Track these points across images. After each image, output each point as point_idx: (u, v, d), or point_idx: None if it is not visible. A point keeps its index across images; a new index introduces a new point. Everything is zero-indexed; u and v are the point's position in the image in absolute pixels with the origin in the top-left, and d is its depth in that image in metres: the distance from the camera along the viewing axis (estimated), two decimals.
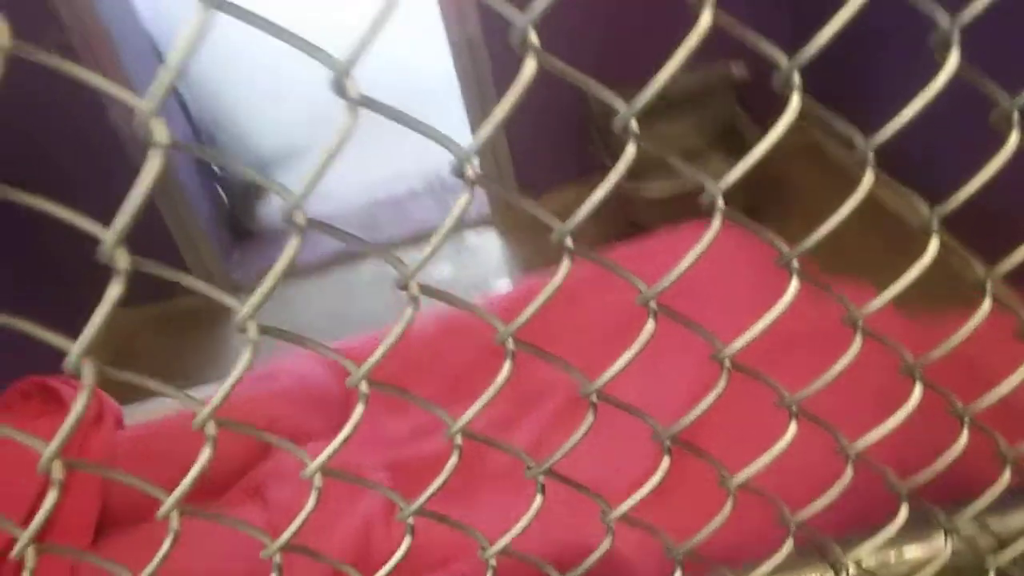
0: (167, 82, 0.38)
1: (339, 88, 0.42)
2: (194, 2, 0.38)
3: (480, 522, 1.36)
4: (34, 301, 2.41)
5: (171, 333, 2.63)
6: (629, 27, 2.52)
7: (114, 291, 0.46)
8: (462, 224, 2.93)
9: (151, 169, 0.41)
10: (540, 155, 2.68)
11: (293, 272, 2.89)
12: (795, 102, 0.45)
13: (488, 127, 0.44)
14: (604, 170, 2.31)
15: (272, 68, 2.61)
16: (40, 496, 1.47)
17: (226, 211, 3.06)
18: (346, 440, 0.55)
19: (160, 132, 0.40)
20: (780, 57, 0.44)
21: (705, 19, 0.41)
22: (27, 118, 2.29)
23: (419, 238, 2.93)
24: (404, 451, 1.62)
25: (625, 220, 2.46)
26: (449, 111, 2.93)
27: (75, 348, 0.49)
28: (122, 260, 0.45)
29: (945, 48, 0.45)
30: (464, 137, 2.84)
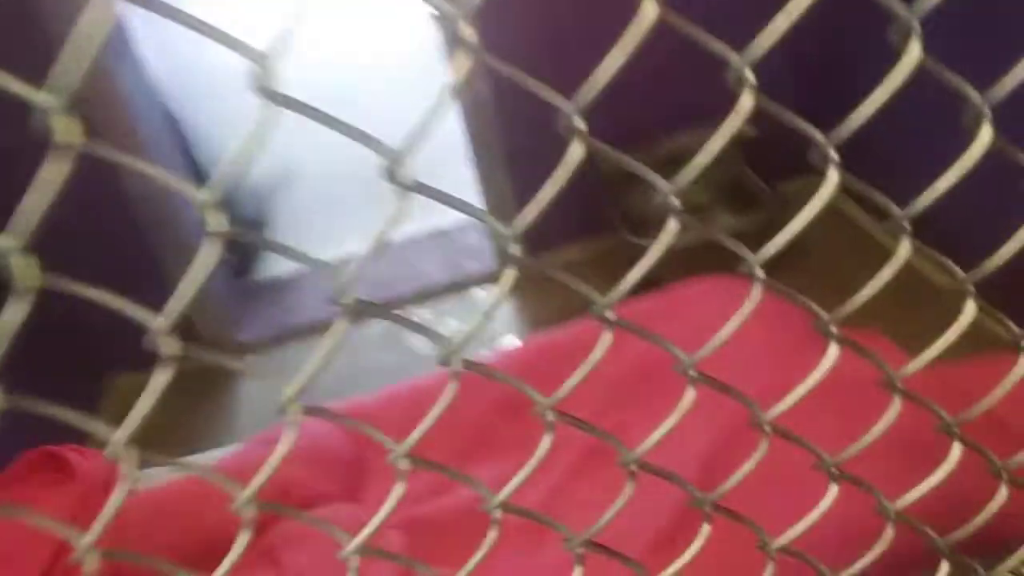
0: (227, 175, 0.39)
1: (391, 175, 0.42)
2: (255, 101, 0.39)
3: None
4: (52, 367, 2.41)
5: (178, 396, 2.60)
6: (632, 82, 2.56)
7: (161, 378, 0.46)
8: (468, 280, 2.93)
9: (209, 255, 0.42)
10: (549, 212, 2.70)
11: (301, 331, 2.87)
12: (833, 177, 0.46)
13: (534, 209, 0.45)
14: (612, 227, 2.31)
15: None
16: (49, 568, 1.45)
17: (231, 264, 3.07)
18: (384, 520, 0.55)
19: (217, 221, 0.40)
20: (817, 135, 0.45)
21: (747, 102, 0.42)
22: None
23: (426, 295, 2.93)
24: (421, 508, 1.61)
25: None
26: (455, 171, 2.98)
27: (117, 435, 0.49)
28: (169, 347, 0.45)
29: (977, 123, 0.46)
30: (470, 196, 2.86)
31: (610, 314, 0.49)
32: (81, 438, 2.24)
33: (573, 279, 0.50)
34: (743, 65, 0.42)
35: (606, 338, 0.50)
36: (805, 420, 0.72)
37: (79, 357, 2.56)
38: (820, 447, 0.64)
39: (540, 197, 0.44)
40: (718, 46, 0.42)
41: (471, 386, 1.75)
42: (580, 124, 0.41)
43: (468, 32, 0.37)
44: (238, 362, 0.48)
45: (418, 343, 2.72)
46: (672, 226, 0.45)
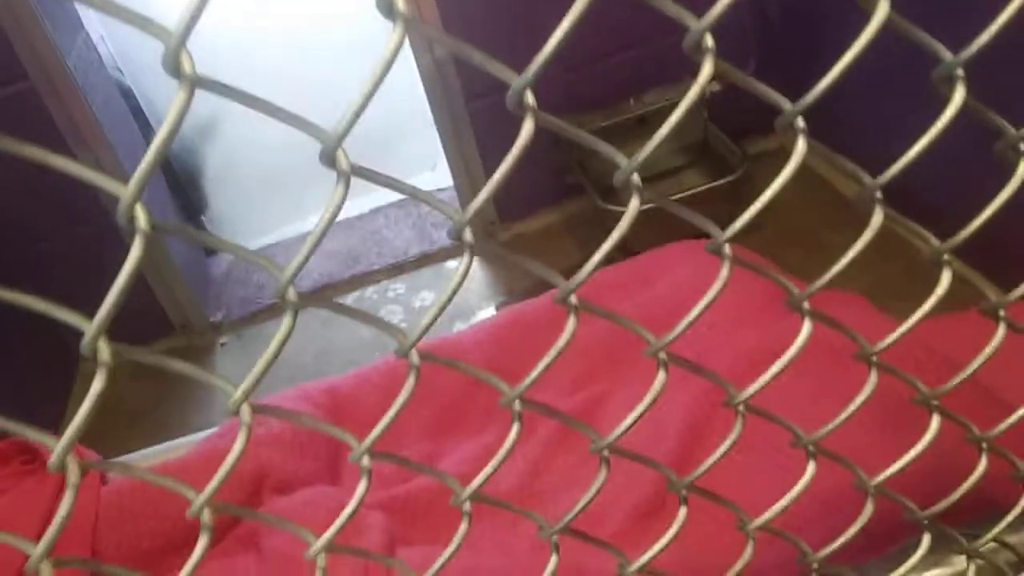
0: (149, 168, 0.36)
1: (329, 160, 0.39)
2: (174, 83, 0.36)
3: (484, 565, 1.34)
4: (22, 348, 2.37)
5: (152, 379, 2.57)
6: (600, 46, 2.52)
7: (98, 385, 0.43)
8: (441, 252, 2.90)
9: (134, 256, 0.39)
10: (518, 181, 2.67)
11: (274, 309, 2.84)
12: (800, 147, 0.43)
13: (485, 192, 0.42)
14: (582, 191, 2.30)
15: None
16: (23, 563, 1.42)
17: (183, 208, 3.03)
18: (351, 516, 0.52)
19: (143, 218, 0.37)
20: (784, 102, 0.43)
21: (707, 69, 0.39)
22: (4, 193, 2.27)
23: (399, 268, 2.90)
24: (399, 488, 1.59)
25: (605, 234, 2.44)
26: (421, 135, 2.92)
27: (60, 445, 0.46)
28: (105, 353, 0.43)
29: (949, 84, 0.44)
30: (438, 162, 2.81)
31: (574, 299, 0.47)
32: (55, 426, 2.20)
33: (536, 265, 0.48)
34: (702, 31, 0.39)
35: (571, 323, 0.47)
36: (781, 392, 0.70)
37: (52, 341, 2.51)
38: (798, 419, 0.63)
39: (495, 178, 0.41)
40: (675, 9, 0.39)
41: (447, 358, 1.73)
42: (530, 99, 0.38)
43: (401, 3, 0.34)
44: (176, 362, 0.45)
45: (394, 317, 2.69)
46: (634, 204, 0.43)
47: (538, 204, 2.82)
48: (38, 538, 1.40)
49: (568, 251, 2.60)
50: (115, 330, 0.43)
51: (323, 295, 2.79)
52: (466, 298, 2.69)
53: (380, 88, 0.38)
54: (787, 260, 1.40)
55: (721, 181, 2.23)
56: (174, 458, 1.65)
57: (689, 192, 2.26)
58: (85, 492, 1.54)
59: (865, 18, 0.42)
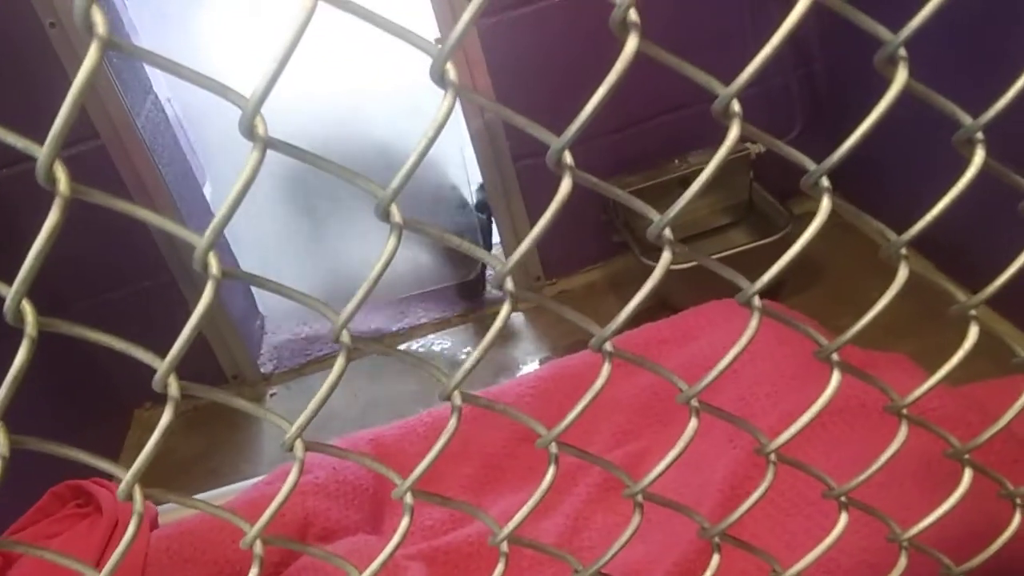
0: (223, 220, 0.40)
1: (384, 214, 0.43)
2: (246, 143, 0.40)
3: None
4: (81, 403, 2.45)
5: (203, 429, 2.64)
6: (646, 107, 2.58)
7: (167, 418, 0.47)
8: (488, 310, 2.94)
9: (206, 299, 0.43)
10: (562, 238, 2.72)
11: (322, 360, 2.90)
12: (825, 204, 0.46)
13: (526, 243, 0.45)
14: (627, 249, 2.33)
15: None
16: None
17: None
18: (393, 553, 0.55)
19: (215, 266, 0.41)
20: (808, 162, 0.46)
21: (734, 133, 0.42)
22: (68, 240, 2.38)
23: (445, 322, 2.94)
24: (440, 540, 1.61)
25: (649, 296, 2.46)
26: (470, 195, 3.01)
27: (127, 477, 0.49)
28: (174, 388, 0.46)
29: (970, 145, 0.46)
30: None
31: (608, 346, 0.49)
32: (107, 477, 2.26)
33: (571, 312, 0.51)
34: (730, 97, 0.42)
35: (605, 370, 0.50)
36: (816, 444, 0.72)
37: (107, 390, 2.59)
38: (834, 473, 0.64)
39: (533, 233, 0.44)
40: (704, 78, 0.43)
41: (489, 416, 1.76)
42: (568, 159, 0.42)
43: (452, 73, 0.38)
44: (238, 399, 0.49)
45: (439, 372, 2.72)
46: (666, 256, 0.46)
47: (583, 261, 2.85)
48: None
49: (611, 307, 2.62)
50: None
51: (375, 343, 2.84)
52: (511, 353, 2.71)
53: (435, 152, 0.42)
54: (837, 322, 1.40)
55: (765, 240, 2.25)
56: (223, 503, 1.68)
57: (733, 251, 2.28)
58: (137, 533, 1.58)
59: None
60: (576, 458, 1.67)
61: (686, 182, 2.50)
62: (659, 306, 2.37)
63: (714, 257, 2.01)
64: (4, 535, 1.61)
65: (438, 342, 2.87)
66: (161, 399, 0.47)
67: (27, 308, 0.42)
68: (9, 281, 0.41)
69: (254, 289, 3.12)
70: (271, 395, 2.82)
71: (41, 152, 0.38)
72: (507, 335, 2.79)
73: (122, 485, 0.48)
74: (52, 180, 0.39)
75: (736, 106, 0.43)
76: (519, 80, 2.48)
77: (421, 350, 2.85)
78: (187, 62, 0.40)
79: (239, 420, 2.71)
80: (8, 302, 0.41)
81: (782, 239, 2.25)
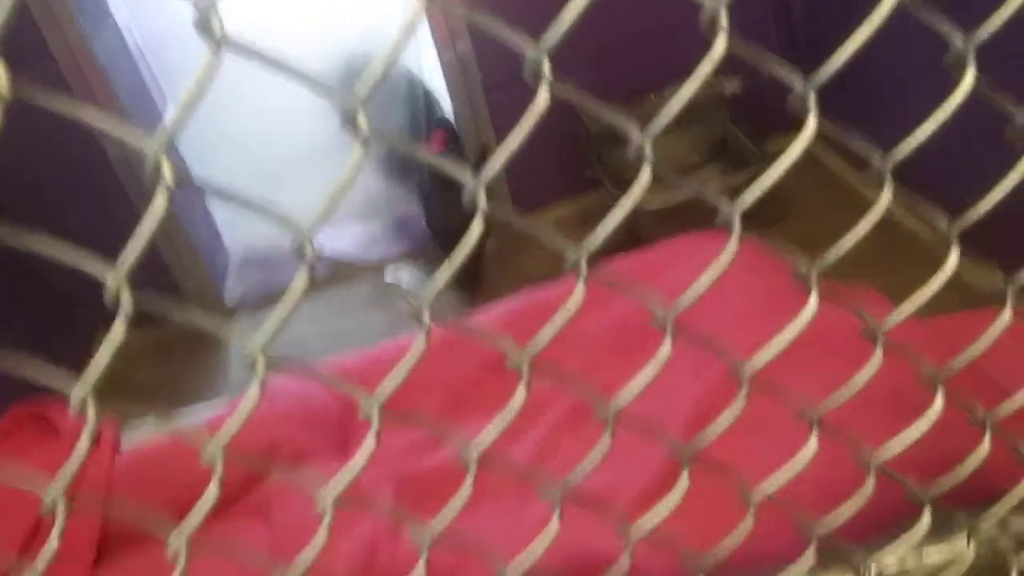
0: (176, 123, 0.37)
1: (350, 121, 0.41)
2: (200, 44, 0.38)
3: (489, 532, 1.35)
4: (34, 337, 2.39)
5: (166, 356, 2.60)
6: (623, 41, 2.53)
7: (118, 331, 0.45)
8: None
9: (157, 209, 0.40)
10: (534, 171, 2.68)
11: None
12: (811, 124, 0.44)
13: (501, 157, 0.43)
14: (599, 185, 2.32)
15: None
16: (38, 521, 1.45)
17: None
18: (358, 470, 0.54)
19: (168, 172, 0.39)
20: (796, 80, 0.44)
21: (720, 45, 0.40)
22: (21, 155, 2.29)
23: (412, 255, 2.91)
24: (409, 464, 1.61)
25: (621, 230, 2.45)
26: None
27: (78, 389, 0.47)
28: (127, 301, 0.44)
29: (960, 67, 0.44)
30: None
31: (583, 265, 0.48)
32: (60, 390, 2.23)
33: (545, 229, 0.49)
34: (717, 7, 0.40)
35: (579, 290, 0.48)
36: (789, 374, 0.71)
37: (64, 317, 2.54)
38: (806, 399, 0.64)
39: (508, 143, 0.42)
40: None
41: (459, 345, 1.75)
42: (546, 69, 0.39)
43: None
44: (196, 314, 0.47)
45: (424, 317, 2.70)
46: (645, 175, 0.44)
47: (554, 196, 2.83)
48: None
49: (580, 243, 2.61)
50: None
51: (339, 261, 2.82)
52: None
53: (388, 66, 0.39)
54: (809, 252, 1.40)
55: (739, 174, 2.24)
56: (185, 428, 1.67)
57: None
58: (99, 457, 1.57)
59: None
60: (544, 387, 1.68)
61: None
62: (629, 240, 2.37)
63: (684, 198, 1.99)
64: None
65: (409, 270, 2.85)
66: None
67: None
68: None
69: (220, 224, 3.06)
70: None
71: None
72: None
73: (73, 398, 0.46)
74: None
75: (723, 18, 0.40)
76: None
77: (391, 280, 2.83)
78: None
79: (202, 349, 2.68)
80: None
81: (754, 175, 2.24)
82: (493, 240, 2.73)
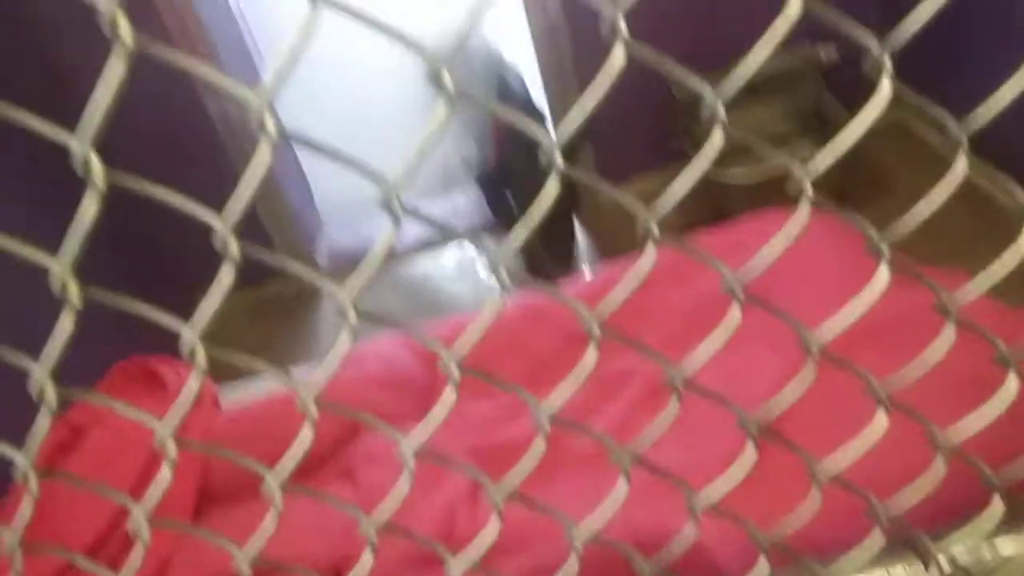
0: (278, 78, 0.41)
1: (436, 80, 0.43)
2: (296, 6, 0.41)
3: (561, 506, 1.38)
4: (143, 288, 2.53)
5: (261, 319, 2.72)
6: (712, 11, 2.49)
7: (226, 277, 0.49)
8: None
9: (261, 160, 0.44)
10: (620, 143, 2.67)
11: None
12: (885, 87, 0.45)
13: (577, 116, 0.45)
14: (686, 159, 2.29)
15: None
16: (143, 474, 1.56)
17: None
18: (438, 423, 0.57)
19: (271, 125, 0.42)
20: (871, 41, 0.44)
21: (794, 6, 0.41)
22: (126, 108, 2.40)
23: (496, 228, 2.95)
24: (488, 435, 1.65)
25: (708, 207, 2.43)
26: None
27: (188, 332, 0.52)
28: (234, 247, 0.48)
29: None
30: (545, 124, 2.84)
31: (653, 228, 0.49)
32: (173, 351, 2.35)
33: (619, 192, 0.51)
34: None
35: (650, 252, 0.50)
36: (862, 356, 0.71)
37: (167, 275, 2.68)
38: (873, 375, 0.64)
39: (583, 102, 0.44)
40: None
41: (541, 317, 1.77)
42: (622, 26, 0.41)
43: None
44: (295, 263, 0.50)
45: (492, 277, 2.75)
46: (717, 137, 0.45)
47: (639, 168, 2.81)
48: (145, 463, 1.49)
49: (668, 218, 2.59)
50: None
51: (425, 216, 2.89)
52: None
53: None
54: (902, 240, 1.36)
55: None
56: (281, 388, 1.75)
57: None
58: (201, 412, 1.66)
59: None
60: (622, 365, 1.68)
61: (754, 91, 2.43)
62: (716, 217, 2.34)
63: (772, 173, 1.96)
64: (77, 406, 1.71)
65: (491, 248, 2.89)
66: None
67: (94, 159, 0.44)
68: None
69: (312, 187, 3.16)
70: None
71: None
72: None
73: (183, 343, 0.50)
74: (115, 30, 0.40)
75: (887, 62, 0.41)
76: None
77: (473, 255, 2.87)
78: None
79: (298, 312, 2.79)
80: (76, 150, 0.43)
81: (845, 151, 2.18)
82: (585, 216, 2.72)
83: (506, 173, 2.53)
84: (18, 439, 0.57)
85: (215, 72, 0.42)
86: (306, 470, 1.66)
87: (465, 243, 2.90)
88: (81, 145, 0.41)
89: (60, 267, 0.46)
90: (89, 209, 0.44)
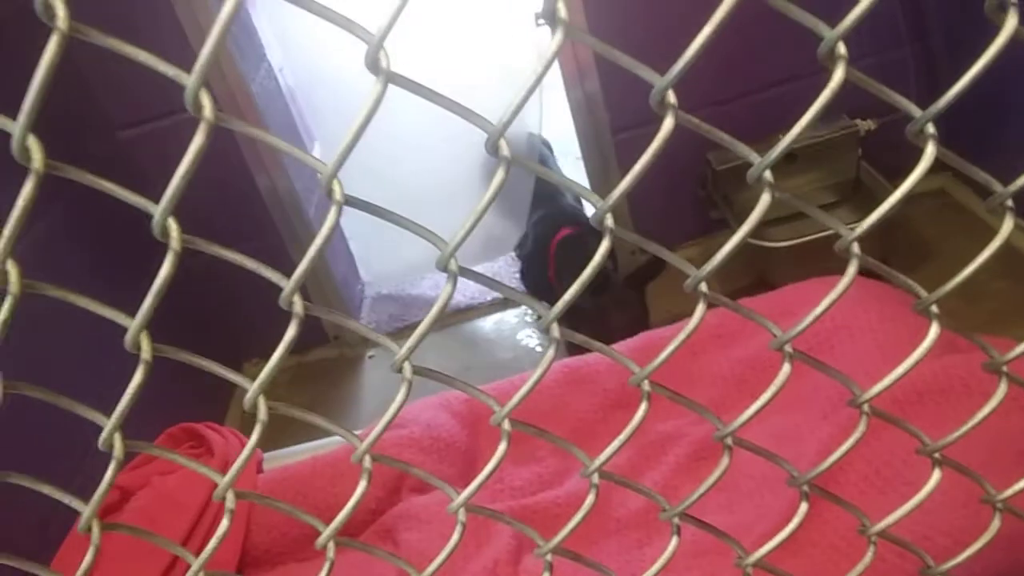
0: (345, 149, 0.44)
1: (493, 148, 0.46)
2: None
3: (610, 565, 1.36)
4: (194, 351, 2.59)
5: (305, 385, 2.76)
6: (748, 86, 2.54)
7: (290, 333, 0.51)
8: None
9: (330, 223, 0.46)
10: (659, 214, 2.71)
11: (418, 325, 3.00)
12: (930, 152, 0.46)
13: (628, 180, 0.47)
14: (725, 227, 2.31)
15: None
16: (190, 534, 1.57)
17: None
18: (489, 476, 0.58)
19: (338, 191, 0.45)
20: (913, 109, 0.46)
21: (838, 74, 0.43)
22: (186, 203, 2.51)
23: (535, 292, 2.98)
24: (529, 500, 1.65)
25: (749, 274, 2.44)
26: (561, 168, 3.04)
27: (254, 386, 0.54)
28: (299, 305, 0.50)
29: None
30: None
31: (703, 287, 0.51)
32: (219, 417, 2.39)
33: (667, 252, 0.52)
34: (836, 38, 0.43)
35: (700, 310, 0.51)
36: (916, 422, 0.71)
37: (218, 344, 2.74)
38: (924, 434, 0.64)
39: (635, 170, 0.46)
40: (810, 20, 0.44)
41: (583, 380, 1.77)
42: (671, 98, 0.43)
43: (563, 11, 0.40)
44: (349, 320, 0.53)
45: (531, 341, 2.76)
46: (765, 198, 0.47)
47: (680, 238, 2.84)
48: (202, 513, 1.52)
49: (711, 285, 2.61)
50: (273, 335, 0.50)
51: (466, 312, 2.92)
52: None
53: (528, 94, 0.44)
54: (945, 305, 1.36)
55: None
56: (324, 452, 1.77)
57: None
58: (246, 473, 1.68)
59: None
60: (668, 427, 1.66)
61: (791, 157, 2.45)
62: (759, 284, 2.35)
63: (821, 236, 1.98)
64: (124, 470, 1.74)
65: (532, 313, 2.91)
66: (269, 354, 0.51)
67: (172, 224, 0.46)
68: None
69: (356, 255, 3.23)
70: (370, 356, 2.92)
71: (189, 80, 0.43)
72: None
73: (248, 394, 0.52)
74: (198, 106, 0.43)
75: (842, 48, 0.43)
76: (618, 27, 2.47)
77: (514, 320, 2.89)
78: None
79: (341, 377, 2.82)
80: (156, 217, 0.46)
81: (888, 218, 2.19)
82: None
83: (546, 252, 2.59)
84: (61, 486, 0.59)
85: (288, 144, 0.45)
86: (349, 533, 1.66)
87: (504, 308, 2.92)
88: (163, 211, 0.44)
89: (137, 325, 0.49)
90: (166, 269, 0.47)
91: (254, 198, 2.61)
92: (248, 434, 0.57)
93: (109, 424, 0.52)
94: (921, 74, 2.52)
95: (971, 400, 1.14)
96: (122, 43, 0.43)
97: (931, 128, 0.46)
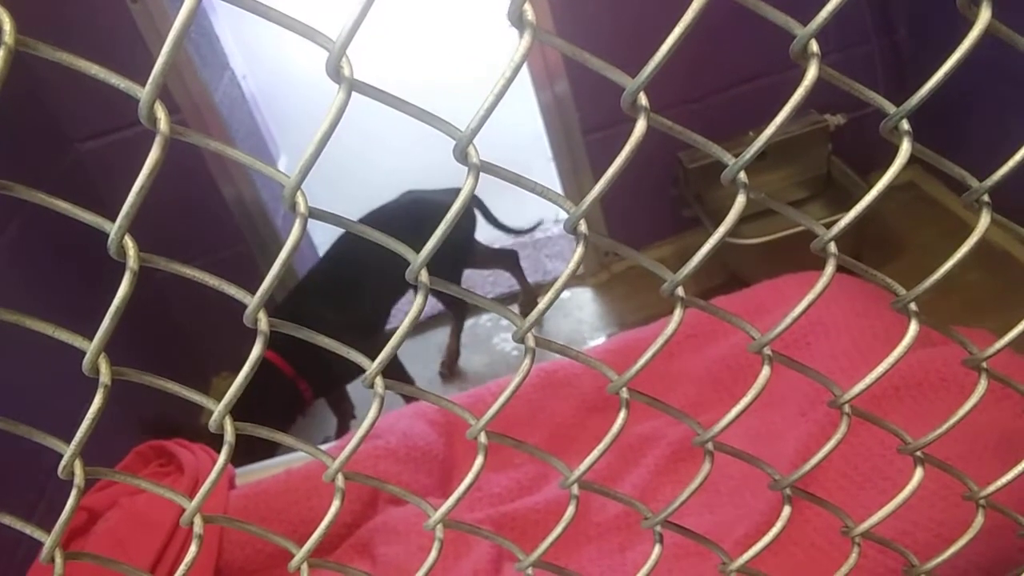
0: (309, 160, 0.42)
1: (462, 155, 0.44)
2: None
3: (590, 573, 1.35)
4: (161, 365, 2.54)
5: None
6: (718, 83, 2.55)
7: (256, 351, 0.49)
8: (553, 282, 2.95)
9: (294, 237, 0.45)
10: (631, 213, 2.71)
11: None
12: (905, 148, 0.46)
13: (600, 186, 0.46)
14: (697, 226, 2.31)
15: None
16: (160, 555, 1.54)
17: None
18: (466, 491, 0.57)
19: (303, 203, 0.43)
20: (887, 105, 0.45)
21: (811, 73, 0.42)
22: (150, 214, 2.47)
23: (513, 297, 2.96)
24: (508, 507, 1.63)
25: (722, 272, 2.44)
26: (532, 169, 3.02)
27: (219, 407, 0.52)
28: (263, 323, 0.49)
29: None
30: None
31: (680, 291, 0.50)
32: (189, 435, 2.35)
33: (644, 258, 0.51)
34: (808, 36, 0.42)
35: (677, 315, 0.50)
36: (894, 416, 0.71)
37: (187, 358, 2.70)
38: (906, 432, 0.63)
39: (607, 175, 0.45)
40: (782, 18, 0.43)
41: (560, 384, 1.77)
42: (643, 100, 0.42)
43: (530, 13, 0.39)
44: (323, 339, 0.51)
45: (507, 346, 2.75)
46: (740, 201, 0.46)
47: (653, 237, 2.84)
48: (172, 533, 1.49)
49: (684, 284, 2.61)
50: (234, 351, 0.49)
51: (439, 319, 2.90)
52: (578, 329, 2.72)
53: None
54: (919, 299, 1.36)
55: (843, 214, 2.20)
56: (298, 465, 1.74)
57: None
58: (217, 490, 1.65)
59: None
60: (645, 430, 1.66)
61: (762, 154, 2.46)
62: (731, 281, 2.35)
63: (794, 232, 1.99)
64: (91, 491, 1.70)
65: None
66: (237, 367, 0.49)
67: (129, 243, 0.45)
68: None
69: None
70: None
71: (143, 93, 0.41)
72: (573, 312, 2.79)
73: (214, 415, 0.50)
74: (153, 119, 0.41)
75: (814, 45, 0.42)
76: (586, 28, 2.46)
77: (489, 324, 2.88)
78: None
79: None
80: (112, 235, 0.44)
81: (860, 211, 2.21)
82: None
83: None
84: (22, 512, 0.57)
85: (249, 157, 0.43)
86: (325, 548, 1.64)
87: (478, 313, 2.91)
88: (119, 229, 0.42)
89: (95, 349, 0.47)
90: (123, 290, 0.45)
91: (221, 208, 2.57)
92: (221, 447, 0.55)
93: (68, 452, 0.50)
94: (888, 69, 2.54)
95: (948, 393, 1.14)
96: (73, 57, 0.41)
97: (906, 124, 0.46)
